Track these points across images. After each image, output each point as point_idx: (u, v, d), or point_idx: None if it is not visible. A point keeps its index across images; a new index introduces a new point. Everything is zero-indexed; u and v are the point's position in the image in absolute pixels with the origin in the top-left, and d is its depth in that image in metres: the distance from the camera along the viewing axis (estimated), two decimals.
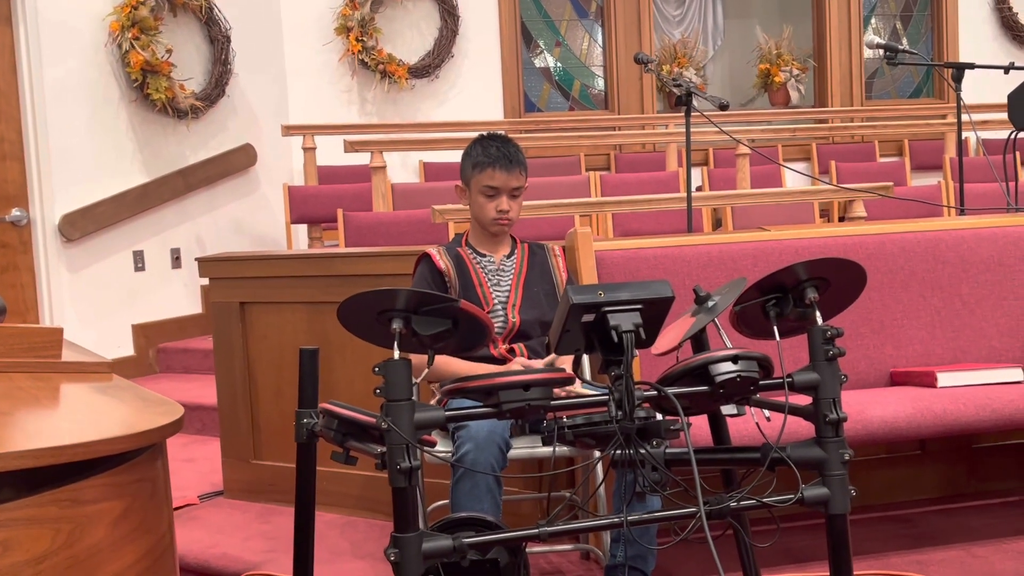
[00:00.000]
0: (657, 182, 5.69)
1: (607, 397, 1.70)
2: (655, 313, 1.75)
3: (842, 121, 7.06)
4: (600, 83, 7.17)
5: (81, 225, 5.12)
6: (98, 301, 5.22)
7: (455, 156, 6.03)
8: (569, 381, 1.75)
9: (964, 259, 3.14)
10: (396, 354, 1.60)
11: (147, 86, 5.37)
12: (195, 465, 4.10)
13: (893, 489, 3.26)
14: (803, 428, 2.01)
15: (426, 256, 2.63)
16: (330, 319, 3.45)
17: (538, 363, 2.39)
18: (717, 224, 5.36)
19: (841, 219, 5.50)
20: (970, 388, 2.71)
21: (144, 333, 5.41)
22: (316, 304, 3.39)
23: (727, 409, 1.78)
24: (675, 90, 3.56)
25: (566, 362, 2.47)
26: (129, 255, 5.44)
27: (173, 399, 5.05)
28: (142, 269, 5.49)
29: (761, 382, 1.80)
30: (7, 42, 4.89)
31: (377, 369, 1.59)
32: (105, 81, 5.31)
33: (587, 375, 2.72)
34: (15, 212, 4.91)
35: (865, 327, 3.04)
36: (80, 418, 1.70)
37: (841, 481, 1.81)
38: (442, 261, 2.61)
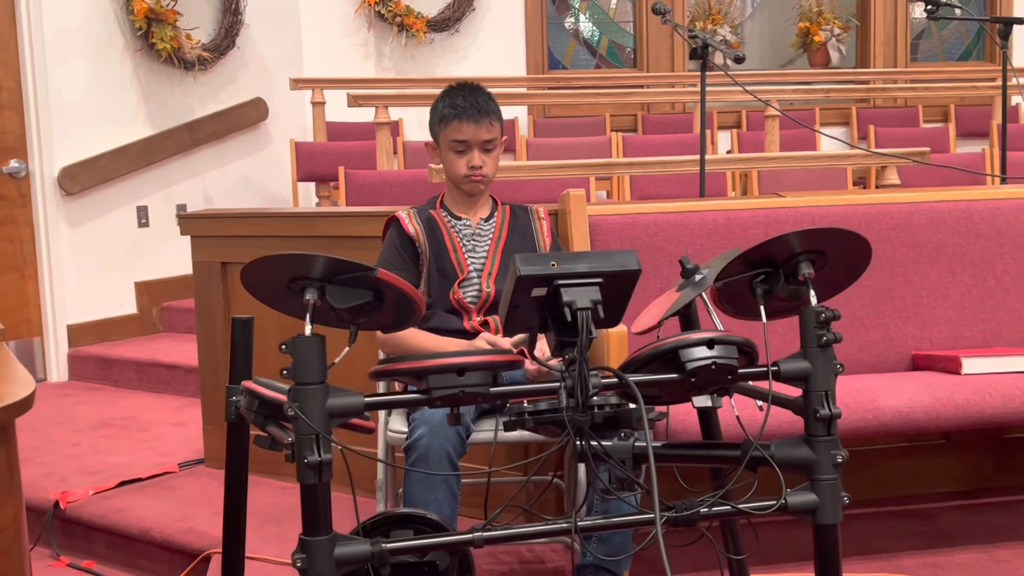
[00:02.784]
0: (683, 144, 5.40)
1: (558, 385, 1.47)
2: (618, 288, 1.51)
3: (884, 83, 6.69)
4: (630, 40, 6.85)
5: (81, 178, 4.95)
6: (99, 257, 5.07)
7: None
8: (515, 364, 1.52)
9: (1000, 232, 2.84)
10: (308, 329, 1.38)
11: (152, 35, 5.18)
12: (183, 430, 3.94)
13: (913, 481, 3.00)
14: (799, 423, 1.77)
15: (394, 220, 2.40)
16: None
17: (506, 342, 2.14)
18: (745, 192, 5.07)
19: (877, 187, 5.17)
20: (998, 376, 2.43)
21: (147, 291, 5.26)
22: None
23: (700, 400, 1.54)
24: (690, 42, 3.28)
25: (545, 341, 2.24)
26: (132, 210, 5.28)
27: (173, 359, 4.88)
28: (146, 225, 5.33)
29: (741, 370, 1.55)
30: None
31: (284, 347, 1.37)
32: (108, 29, 5.12)
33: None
34: (13, 163, 4.76)
35: (886, 305, 2.77)
36: None
37: (832, 487, 1.57)
38: (411, 225, 2.38)
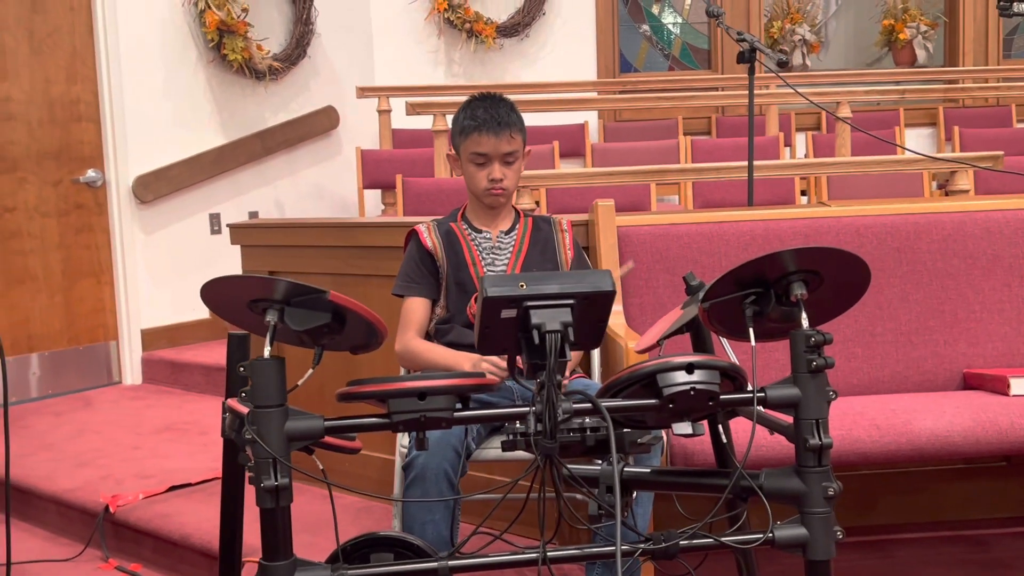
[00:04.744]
0: (755, 148, 5.25)
1: (527, 409, 1.42)
2: (594, 310, 1.46)
3: (974, 82, 6.38)
4: (704, 42, 6.71)
5: (155, 187, 5.10)
6: (173, 263, 5.21)
7: (541, 119, 5.79)
8: (487, 387, 1.48)
9: None
10: (267, 351, 1.37)
11: (223, 46, 5.29)
12: None
13: (968, 505, 2.84)
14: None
15: (413, 233, 2.38)
16: (352, 294, 3.26)
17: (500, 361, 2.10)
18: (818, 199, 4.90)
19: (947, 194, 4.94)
20: None
21: None
22: (340, 276, 3.20)
23: (681, 427, 1.47)
24: (739, 45, 3.18)
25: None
26: (205, 218, 5.41)
27: None
28: (218, 232, 5.45)
29: (724, 396, 1.48)
30: (84, 2, 4.88)
31: (242, 369, 1.36)
32: (182, 41, 5.26)
33: (596, 375, 2.44)
34: (91, 173, 4.93)
35: (935, 320, 2.63)
36: None
37: (824, 521, 1.48)
38: (429, 239, 2.35)
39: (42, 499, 3.45)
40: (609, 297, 1.45)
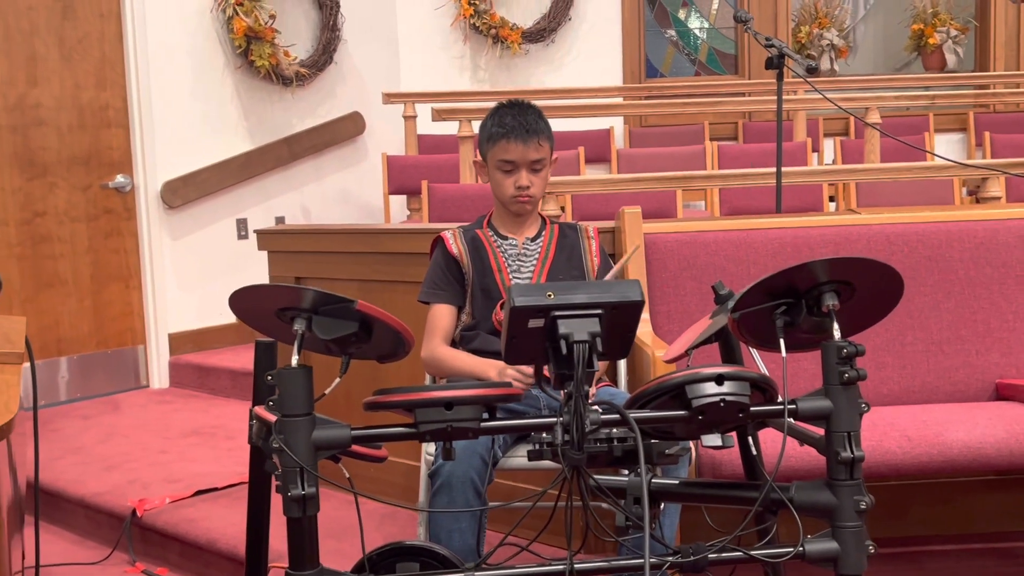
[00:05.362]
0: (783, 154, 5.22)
1: (555, 420, 1.41)
2: (621, 320, 1.44)
3: (1005, 87, 6.31)
4: (731, 47, 6.68)
5: (183, 192, 5.13)
6: (200, 268, 5.24)
7: (566, 125, 5.78)
8: (514, 397, 1.47)
9: None
10: (295, 359, 1.36)
11: (251, 52, 5.32)
12: None
13: (1002, 517, 2.79)
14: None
15: (439, 240, 2.38)
16: (378, 300, 3.27)
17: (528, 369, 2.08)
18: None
19: (978, 201, 4.88)
20: None
21: None
22: (366, 282, 3.21)
23: (710, 439, 1.46)
24: (768, 51, 3.15)
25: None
26: (232, 223, 5.44)
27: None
28: (245, 237, 5.48)
29: (754, 408, 1.46)
30: (114, 9, 4.92)
31: (270, 378, 1.36)
32: (210, 48, 5.29)
33: (623, 383, 2.42)
34: (119, 178, 4.97)
35: (967, 330, 2.59)
36: None
37: (855, 535, 1.46)
38: (455, 246, 2.35)
39: (70, 502, 3.47)
40: (638, 307, 1.44)
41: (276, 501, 3.30)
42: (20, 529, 2.26)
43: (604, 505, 1.54)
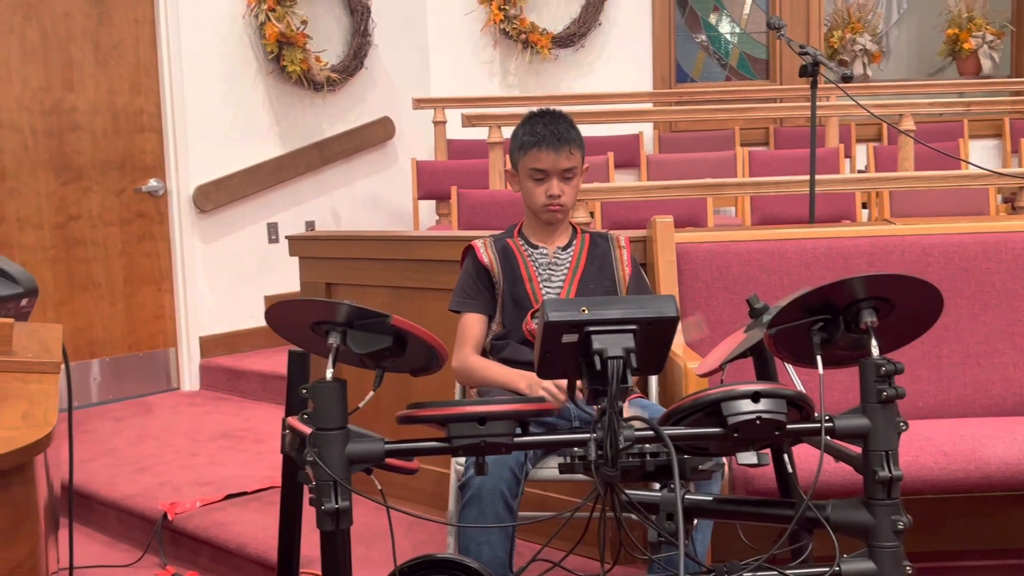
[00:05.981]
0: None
1: (588, 436, 1.40)
2: (656, 336, 1.43)
3: None
4: (762, 51, 6.63)
5: (214, 196, 5.17)
6: (231, 271, 5.28)
7: (596, 130, 5.76)
8: (548, 412, 1.46)
9: None
10: (329, 373, 1.37)
11: (283, 58, 5.35)
12: None
13: None
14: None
15: (470, 249, 2.38)
16: (408, 307, 3.29)
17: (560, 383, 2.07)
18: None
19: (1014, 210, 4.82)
20: None
21: None
22: (396, 289, 3.22)
23: (745, 457, 1.44)
24: (801, 58, 3.13)
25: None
26: (263, 227, 5.47)
27: None
28: (276, 241, 5.51)
29: (791, 426, 1.45)
30: (148, 15, 4.97)
31: (305, 391, 1.36)
32: (242, 53, 5.33)
33: (654, 395, 2.41)
34: (152, 183, 5.01)
35: (1004, 342, 2.55)
36: None
37: (893, 555, 1.44)
38: (486, 255, 2.35)
39: (103, 504, 3.50)
40: (673, 323, 1.43)
41: (307, 508, 3.32)
42: (55, 531, 2.28)
43: (633, 517, 1.53)
